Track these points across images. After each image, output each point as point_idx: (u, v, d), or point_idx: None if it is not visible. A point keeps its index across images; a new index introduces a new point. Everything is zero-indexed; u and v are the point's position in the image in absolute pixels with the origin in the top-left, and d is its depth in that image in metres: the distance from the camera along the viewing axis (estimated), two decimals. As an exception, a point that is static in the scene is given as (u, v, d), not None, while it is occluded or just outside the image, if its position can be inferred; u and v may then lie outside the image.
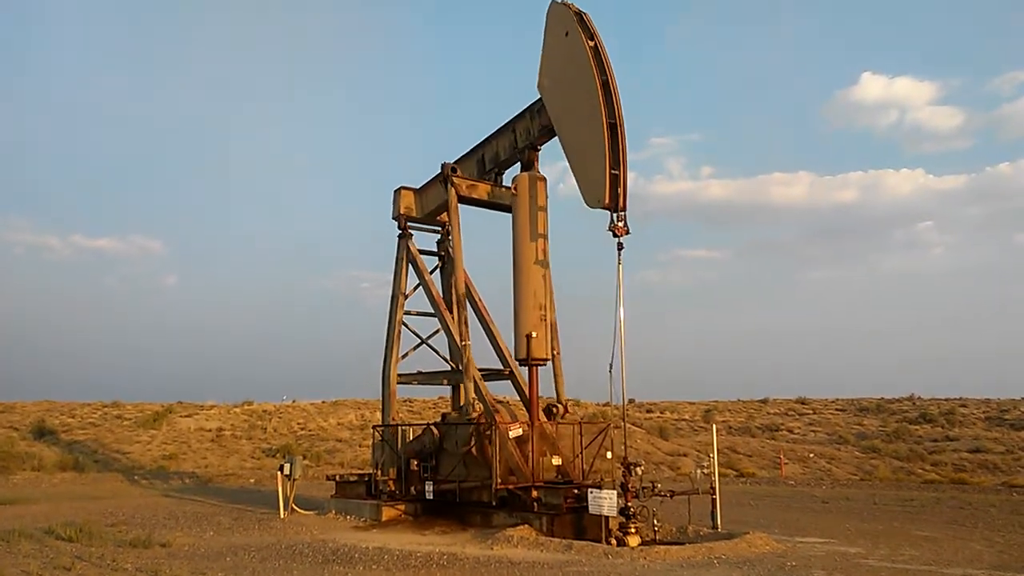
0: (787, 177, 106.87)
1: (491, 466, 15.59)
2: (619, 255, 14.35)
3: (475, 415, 16.86)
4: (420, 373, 20.36)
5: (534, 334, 16.47)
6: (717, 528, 14.60)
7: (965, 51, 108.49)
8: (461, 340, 17.68)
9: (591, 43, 15.33)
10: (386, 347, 20.19)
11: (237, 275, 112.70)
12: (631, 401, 52.51)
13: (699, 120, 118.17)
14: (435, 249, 21.18)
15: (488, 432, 16.06)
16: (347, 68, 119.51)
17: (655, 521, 14.20)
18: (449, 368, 20.28)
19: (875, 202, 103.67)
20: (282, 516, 18.25)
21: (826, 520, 18.27)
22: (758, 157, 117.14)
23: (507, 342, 19.20)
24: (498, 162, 18.82)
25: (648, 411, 53.19)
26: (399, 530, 16.21)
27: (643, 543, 13.43)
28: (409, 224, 20.41)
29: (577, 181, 15.40)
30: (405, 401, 47.87)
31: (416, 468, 18.09)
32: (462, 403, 18.54)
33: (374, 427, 20.31)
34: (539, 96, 17.11)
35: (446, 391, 21.75)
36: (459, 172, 18.80)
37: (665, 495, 14.40)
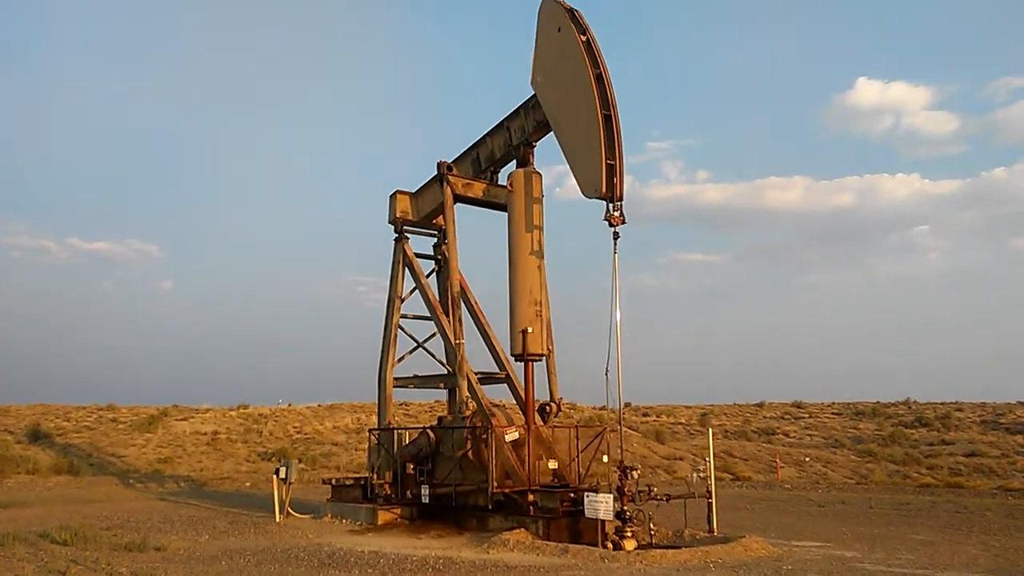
0: (783, 181, 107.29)
1: (487, 470, 15.57)
2: (615, 244, 14.53)
3: (468, 413, 16.86)
4: (416, 377, 20.35)
5: (530, 329, 16.50)
6: (713, 532, 14.60)
7: (960, 56, 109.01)
8: (455, 338, 17.72)
9: (583, 37, 15.50)
10: (382, 350, 20.18)
11: (233, 279, 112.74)
12: (627, 405, 52.49)
13: (695, 124, 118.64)
14: (431, 253, 21.19)
15: (484, 436, 16.05)
16: (344, 72, 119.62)
17: (651, 525, 14.19)
18: (445, 372, 20.24)
19: (871, 207, 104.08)
20: (278, 520, 18.20)
21: (822, 524, 18.28)
22: (754, 161, 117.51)
23: (503, 345, 19.22)
24: (493, 160, 18.87)
25: (644, 415, 53.22)
26: (395, 534, 16.19)
27: (639, 547, 13.42)
28: (405, 228, 20.41)
29: (574, 173, 15.54)
30: (401, 405, 47.84)
31: (412, 472, 18.05)
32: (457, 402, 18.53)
33: (370, 431, 20.28)
34: (532, 93, 17.25)
35: (442, 395, 21.76)
36: (455, 171, 18.86)
37: (661, 499, 14.39)
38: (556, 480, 16.14)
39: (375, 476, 18.97)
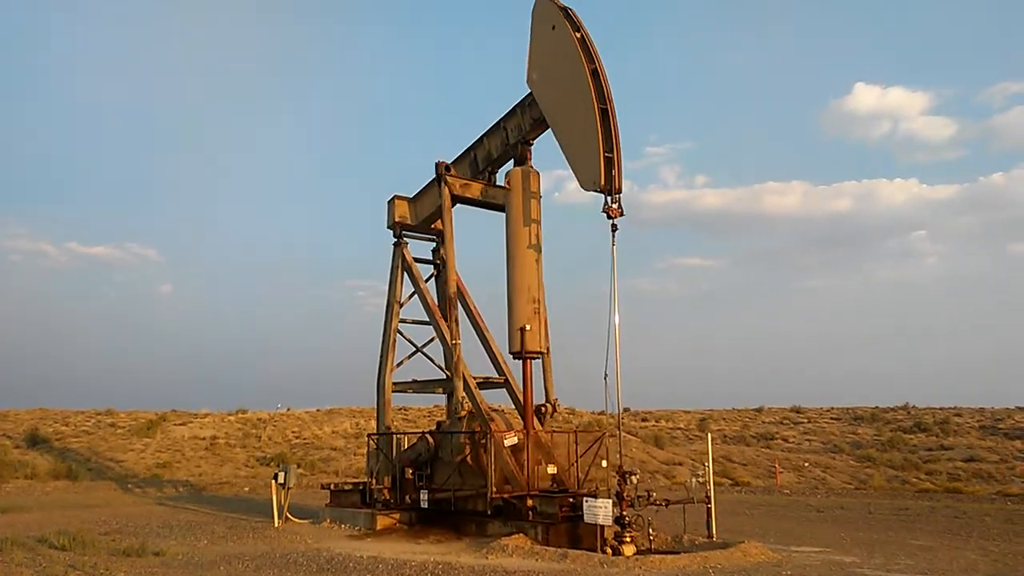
0: (781, 186, 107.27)
1: (486, 475, 15.56)
2: (613, 236, 14.62)
3: (463, 413, 16.90)
4: (415, 381, 20.35)
5: (528, 327, 16.56)
6: (712, 537, 14.60)
7: (957, 61, 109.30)
8: (452, 339, 17.76)
9: (578, 34, 15.68)
10: (381, 355, 20.18)
11: (232, 283, 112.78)
12: (626, 410, 52.30)
13: (693, 129, 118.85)
14: (430, 257, 21.22)
15: (483, 440, 16.05)
16: (344, 78, 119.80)
17: (650, 530, 14.19)
18: (445, 376, 20.24)
19: (869, 211, 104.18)
20: (276, 525, 18.18)
21: (821, 529, 18.28)
22: (752, 166, 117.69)
23: (501, 349, 19.23)
24: (491, 160, 18.96)
25: (643, 420, 53.19)
26: (394, 539, 16.17)
27: (638, 552, 13.43)
28: (404, 233, 20.46)
29: (572, 167, 15.66)
30: (400, 409, 47.87)
31: (411, 477, 18.05)
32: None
33: (369, 435, 20.27)
34: (528, 92, 17.40)
35: (441, 399, 21.72)
36: (453, 171, 18.94)
37: (660, 504, 14.39)
38: (555, 485, 16.13)
39: (374, 481, 18.96)
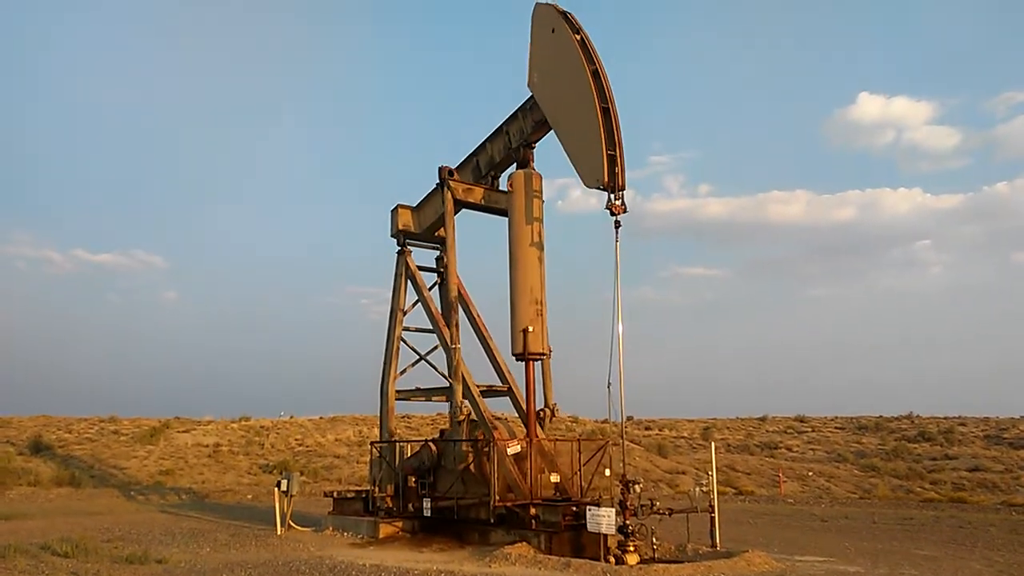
0: (785, 195, 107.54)
1: (489, 483, 15.54)
2: (616, 234, 14.60)
3: (462, 417, 16.87)
4: (418, 389, 20.35)
5: (531, 328, 16.58)
6: (716, 546, 14.55)
7: (961, 71, 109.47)
8: (452, 343, 17.77)
9: (578, 36, 15.82)
10: (384, 363, 20.20)
11: (236, 291, 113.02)
12: (630, 418, 52.42)
13: (697, 138, 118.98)
14: (434, 265, 21.26)
15: (486, 449, 16.03)
16: (347, 84, 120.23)
17: (654, 539, 14.14)
18: (448, 384, 20.24)
19: (873, 221, 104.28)
20: (279, 533, 18.16)
21: (825, 539, 18.21)
22: (756, 175, 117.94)
23: (504, 356, 19.25)
24: (493, 165, 19.06)
25: (647, 428, 53.10)
26: (396, 547, 16.14)
27: (642, 561, 13.36)
28: (408, 241, 20.54)
29: (575, 166, 15.70)
30: (403, 417, 47.56)
31: (414, 485, 18.03)
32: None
33: (372, 443, 20.26)
34: (529, 95, 17.51)
35: (444, 407, 21.74)
36: (456, 176, 19.04)
37: (664, 513, 14.34)
38: (558, 494, 16.09)
39: (377, 489, 18.93)
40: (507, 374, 19.22)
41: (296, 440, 44.08)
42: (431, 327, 19.52)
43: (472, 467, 16.52)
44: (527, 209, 17.19)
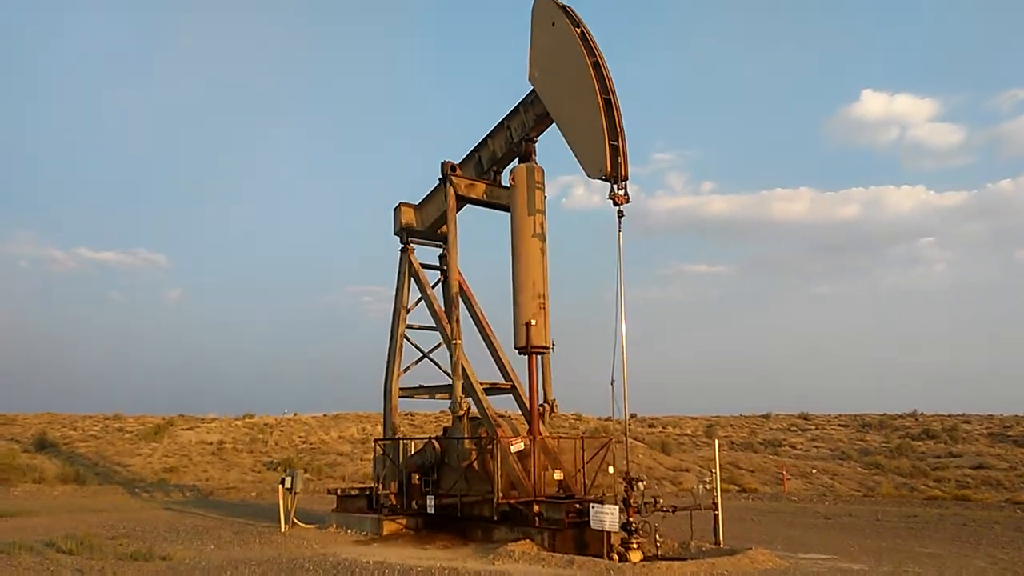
0: (789, 193, 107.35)
1: (493, 480, 15.56)
2: (619, 223, 14.56)
3: (462, 412, 16.88)
4: (422, 387, 20.37)
5: (533, 322, 16.59)
6: (719, 544, 14.54)
7: (965, 68, 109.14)
8: (452, 338, 17.77)
9: (578, 29, 15.83)
10: (388, 361, 20.23)
11: (240, 289, 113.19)
12: (633, 416, 52.44)
13: (700, 136, 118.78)
14: (437, 264, 21.26)
15: (489, 446, 16.04)
16: (349, 83, 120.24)
17: (657, 537, 14.13)
18: (451, 382, 20.26)
19: (877, 218, 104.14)
20: (283, 530, 18.19)
21: (829, 536, 18.19)
22: (760, 172, 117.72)
23: (507, 353, 19.25)
24: (495, 160, 19.07)
25: (650, 426, 53.09)
26: (400, 544, 16.16)
27: (645, 559, 13.37)
28: (411, 239, 20.55)
29: (577, 157, 15.70)
30: (407, 415, 47.82)
31: (417, 482, 18.06)
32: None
33: (375, 441, 20.28)
34: (529, 89, 17.51)
35: (448, 405, 21.75)
36: (458, 171, 19.05)
37: (667, 510, 14.34)
38: (562, 491, 16.11)
39: (380, 486, 18.97)
40: (510, 372, 19.24)
41: (300, 437, 44.16)
42: (434, 325, 19.53)
43: (476, 464, 16.53)
44: (529, 201, 17.21)
